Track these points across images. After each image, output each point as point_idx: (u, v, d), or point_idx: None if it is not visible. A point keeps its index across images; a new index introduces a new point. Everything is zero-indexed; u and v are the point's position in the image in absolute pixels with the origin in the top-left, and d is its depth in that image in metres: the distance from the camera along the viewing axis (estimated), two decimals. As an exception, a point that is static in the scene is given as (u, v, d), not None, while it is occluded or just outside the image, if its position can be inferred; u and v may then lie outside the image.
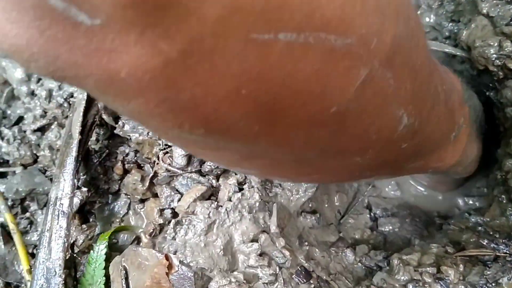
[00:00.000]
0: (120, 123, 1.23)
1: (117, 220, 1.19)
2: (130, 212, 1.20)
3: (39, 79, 1.39)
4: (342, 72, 0.40)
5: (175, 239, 1.04)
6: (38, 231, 1.25)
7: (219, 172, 1.12)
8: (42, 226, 1.09)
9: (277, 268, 1.03)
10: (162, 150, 1.18)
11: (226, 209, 1.06)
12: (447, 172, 1.05)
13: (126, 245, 1.14)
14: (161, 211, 1.15)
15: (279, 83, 0.36)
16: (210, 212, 1.04)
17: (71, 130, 1.18)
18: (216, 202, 1.07)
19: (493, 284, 0.98)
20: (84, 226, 1.18)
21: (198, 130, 0.38)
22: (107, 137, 1.29)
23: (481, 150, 1.21)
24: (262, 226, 1.07)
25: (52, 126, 1.35)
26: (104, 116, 1.23)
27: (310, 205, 1.17)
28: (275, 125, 0.42)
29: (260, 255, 1.03)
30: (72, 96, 1.34)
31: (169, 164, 1.13)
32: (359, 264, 1.17)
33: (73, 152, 1.14)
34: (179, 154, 1.11)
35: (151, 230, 1.13)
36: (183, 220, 1.04)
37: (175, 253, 1.00)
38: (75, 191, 1.12)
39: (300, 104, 0.41)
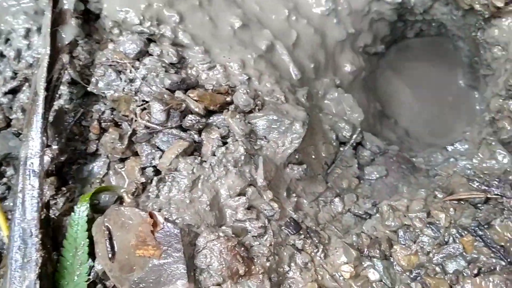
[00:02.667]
0: (93, 80, 1.17)
1: (97, 181, 1.15)
2: (110, 172, 1.16)
3: (6, 39, 1.31)
4: None
5: (158, 197, 1.01)
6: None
7: (200, 127, 1.07)
8: (15, 188, 1.04)
9: (266, 221, 1.01)
10: (139, 106, 1.13)
11: (210, 164, 1.02)
12: None
13: (108, 206, 1.09)
14: (143, 169, 1.11)
15: None
16: (194, 168, 1.01)
17: (36, 87, 1.11)
18: (199, 158, 1.03)
19: (486, 226, 0.98)
20: (63, 188, 1.14)
21: None
22: (80, 96, 1.23)
23: None
24: (249, 179, 1.04)
25: (24, 88, 1.27)
26: (70, 71, 1.16)
27: (296, 156, 1.14)
28: None
29: (248, 208, 1.01)
30: (41, 55, 1.27)
31: (148, 120, 1.08)
32: (348, 213, 1.16)
33: (39, 110, 1.08)
34: (157, 109, 1.06)
35: (134, 190, 1.09)
36: (166, 177, 1.00)
37: (159, 210, 0.97)
38: (45, 149, 1.07)
39: None
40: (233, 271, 0.91)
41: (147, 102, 1.13)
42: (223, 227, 0.97)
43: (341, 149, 1.30)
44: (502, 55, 1.14)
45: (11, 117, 1.27)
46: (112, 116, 1.18)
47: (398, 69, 1.79)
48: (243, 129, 1.07)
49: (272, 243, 0.98)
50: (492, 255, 0.96)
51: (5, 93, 1.29)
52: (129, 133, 1.12)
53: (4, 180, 1.22)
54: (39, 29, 1.27)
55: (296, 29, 1.40)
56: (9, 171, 1.23)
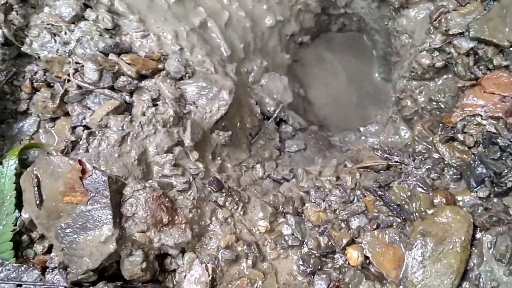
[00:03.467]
0: (27, 40, 1.19)
1: (27, 139, 1.17)
2: (40, 130, 1.18)
3: None
4: None
5: (88, 151, 1.05)
6: None
7: (132, 88, 1.13)
8: None
9: (191, 178, 1.08)
10: (72, 67, 1.16)
11: (140, 123, 1.08)
12: None
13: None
14: (73, 128, 1.15)
15: None
16: (123, 125, 1.06)
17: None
18: (129, 117, 1.09)
19: (386, 188, 1.10)
20: (-11, 144, 1.15)
21: None
22: (13, 57, 1.24)
23: None
24: (176, 140, 1.11)
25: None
26: (5, 31, 1.18)
27: (223, 124, 1.22)
28: None
29: (175, 165, 1.08)
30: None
31: (80, 80, 1.12)
32: (268, 178, 1.26)
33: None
34: (90, 69, 1.11)
35: (63, 147, 1.12)
36: (96, 132, 1.05)
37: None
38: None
39: None
40: (157, 220, 0.98)
41: (80, 64, 1.17)
42: (150, 181, 1.04)
43: (265, 122, 1.40)
44: (409, 42, 1.28)
45: None
46: (44, 76, 1.20)
47: (322, 60, 1.93)
48: (173, 93, 1.14)
49: (196, 197, 1.05)
50: (390, 213, 1.09)
51: None
52: (61, 93, 1.15)
53: None
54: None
55: (228, 11, 1.48)
56: None
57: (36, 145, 1.14)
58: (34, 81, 1.20)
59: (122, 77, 1.13)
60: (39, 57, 1.21)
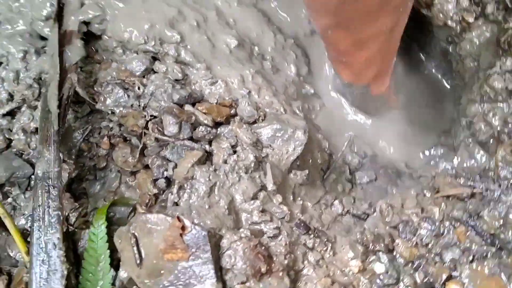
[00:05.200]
0: (101, 97, 1.21)
1: (110, 195, 1.18)
2: (122, 185, 1.20)
3: (0, 63, 1.33)
4: None
5: (178, 204, 1.06)
6: (24, 215, 1.21)
7: (211, 137, 1.14)
8: (33, 203, 1.06)
9: (279, 222, 1.08)
10: (149, 120, 1.18)
11: (224, 171, 1.09)
12: None
13: (123, 218, 1.14)
14: (155, 181, 1.16)
15: None
16: (210, 175, 1.07)
17: (48, 105, 1.15)
18: (213, 166, 1.10)
19: (475, 217, 1.08)
20: (76, 204, 1.17)
21: None
22: (86, 114, 1.27)
23: None
24: (260, 185, 1.11)
25: (23, 109, 1.29)
26: (79, 90, 1.20)
27: (298, 163, 1.22)
28: None
29: (262, 211, 1.08)
30: (40, 78, 1.30)
31: (159, 133, 1.14)
32: (348, 214, 1.25)
33: (55, 126, 1.11)
34: (170, 122, 1.12)
35: (147, 201, 1.14)
36: (185, 185, 1.06)
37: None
38: (62, 164, 1.10)
39: None
40: (256, 270, 0.98)
41: (155, 117, 1.19)
42: (241, 229, 1.04)
43: (333, 156, 1.40)
44: (474, 65, 1.28)
45: (11, 138, 1.28)
46: (120, 131, 1.23)
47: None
48: (250, 138, 1.14)
49: (287, 242, 1.05)
50: (483, 242, 1.07)
51: (3, 115, 1.31)
52: (140, 147, 1.17)
53: (9, 200, 1.24)
54: (36, 51, 1.30)
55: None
56: (14, 191, 1.24)
57: (121, 201, 1.16)
58: (111, 137, 1.22)
59: (200, 127, 1.14)
60: (112, 113, 1.23)
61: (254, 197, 1.09)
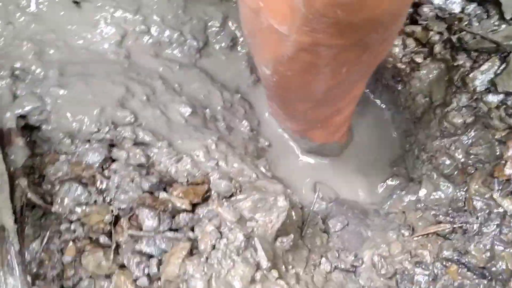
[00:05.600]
0: (57, 199, 1.08)
1: (87, 306, 1.05)
2: (98, 293, 1.07)
3: None
4: None
5: (173, 307, 0.97)
6: None
7: (194, 223, 1.06)
8: None
9: (283, 302, 1.03)
10: (117, 215, 1.07)
11: (217, 259, 1.01)
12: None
13: (108, 331, 1.02)
14: (135, 281, 1.05)
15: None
16: (204, 267, 0.99)
17: (2, 221, 1.00)
18: (205, 255, 1.02)
19: (464, 254, 1.12)
20: (47, 325, 1.02)
21: None
22: (38, 218, 1.12)
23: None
24: (254, 264, 1.05)
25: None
26: (31, 196, 1.07)
27: (279, 229, 1.18)
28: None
29: (264, 294, 1.02)
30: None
31: (136, 228, 1.04)
32: (336, 270, 1.23)
33: (15, 246, 0.98)
34: (147, 215, 1.03)
35: (130, 305, 1.03)
36: (181, 285, 0.97)
37: (185, 322, 0.93)
38: (32, 288, 0.96)
39: None
40: None
41: (123, 209, 1.09)
42: (248, 320, 0.97)
43: (305, 209, 1.37)
44: (426, 101, 1.33)
45: None
46: (83, 232, 1.10)
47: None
48: (234, 215, 1.08)
49: (296, 322, 1.00)
50: (474, 277, 1.10)
51: None
52: (113, 247, 1.06)
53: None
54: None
55: (231, 104, 1.46)
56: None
57: (103, 312, 1.03)
58: (75, 240, 1.09)
59: (180, 214, 1.05)
60: (70, 212, 1.10)
61: (252, 281, 1.02)
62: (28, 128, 1.16)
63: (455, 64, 1.24)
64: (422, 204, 1.33)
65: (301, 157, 1.58)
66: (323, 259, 1.23)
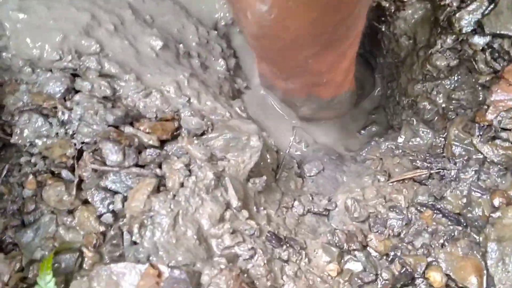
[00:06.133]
0: (17, 130, 1.02)
1: (48, 242, 1.01)
2: (60, 228, 1.02)
3: None
4: None
5: (136, 243, 0.93)
6: None
7: (162, 159, 1.01)
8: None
9: (252, 241, 1.00)
10: (80, 149, 1.02)
11: (185, 196, 0.97)
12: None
13: (69, 266, 0.98)
14: (99, 217, 1.01)
15: None
16: (170, 204, 0.95)
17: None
18: (171, 192, 0.97)
19: (439, 199, 1.09)
20: (4, 259, 0.98)
21: None
22: (-4, 150, 1.06)
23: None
24: (224, 203, 1.01)
25: None
26: (-14, 126, 1.01)
27: (253, 170, 1.14)
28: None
29: (232, 233, 0.98)
30: None
31: (100, 163, 0.98)
32: (308, 213, 1.20)
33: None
34: (111, 150, 0.97)
35: (94, 241, 0.99)
36: (145, 221, 0.93)
37: (148, 258, 0.90)
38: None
39: None
40: (242, 300, 0.89)
41: (86, 143, 1.03)
42: (215, 258, 0.94)
43: (281, 152, 1.33)
44: (409, 43, 1.27)
45: None
46: (45, 166, 1.04)
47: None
48: (204, 153, 1.03)
49: (265, 261, 0.97)
50: (449, 223, 1.09)
51: None
52: (76, 181, 1.01)
53: None
54: None
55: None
56: None
57: (65, 247, 0.99)
58: (36, 174, 1.04)
59: (146, 150, 1.00)
60: (30, 145, 1.04)
61: (221, 219, 0.99)
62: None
63: (442, 3, 1.18)
64: (400, 151, 1.30)
65: (277, 102, 1.52)
66: (296, 202, 1.20)
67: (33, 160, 1.04)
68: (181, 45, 1.29)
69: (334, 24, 0.89)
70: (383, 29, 1.32)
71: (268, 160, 1.27)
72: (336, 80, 1.20)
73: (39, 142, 1.02)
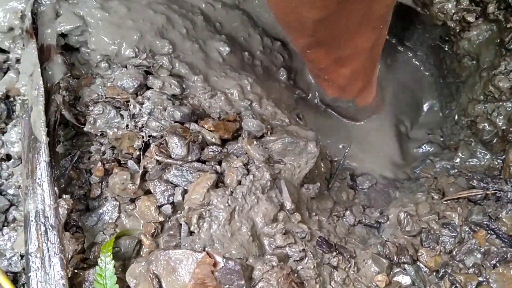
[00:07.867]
0: (90, 119, 1.09)
1: (110, 228, 1.07)
2: (122, 215, 1.08)
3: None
4: None
5: (193, 234, 0.97)
6: (5, 257, 1.07)
7: (222, 157, 1.05)
8: (25, 247, 0.94)
9: (303, 243, 1.02)
10: (147, 141, 1.08)
11: (242, 194, 1.01)
12: None
13: (129, 252, 1.03)
14: (159, 207, 1.06)
15: None
16: (228, 199, 0.99)
17: (34, 133, 1.01)
18: (229, 189, 1.01)
19: (494, 220, 1.08)
20: (70, 239, 1.04)
21: None
22: (70, 137, 1.14)
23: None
24: (278, 204, 1.04)
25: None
26: (65, 113, 1.08)
27: (307, 176, 1.17)
28: None
29: (285, 233, 1.01)
30: (7, 97, 1.15)
31: (165, 156, 1.04)
32: (359, 224, 1.21)
33: (45, 157, 0.99)
34: (177, 144, 1.02)
35: (152, 230, 1.04)
36: (204, 213, 0.97)
37: (204, 249, 0.94)
38: (59, 200, 0.98)
39: None
40: (290, 299, 0.91)
41: (153, 137, 1.09)
42: (267, 256, 0.97)
43: (335, 163, 1.36)
44: (472, 64, 1.27)
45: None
46: (114, 155, 1.11)
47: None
48: (263, 155, 1.07)
49: (315, 264, 0.99)
50: (502, 245, 1.07)
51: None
52: (141, 171, 1.06)
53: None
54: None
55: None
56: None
57: (125, 233, 1.05)
58: (104, 161, 1.10)
59: (209, 147, 1.05)
60: (101, 135, 1.11)
61: (275, 219, 1.02)
62: (68, 50, 1.17)
63: (508, 25, 1.18)
64: (456, 170, 1.29)
65: (335, 116, 1.54)
66: (348, 212, 1.21)
67: (102, 148, 1.11)
68: (246, 53, 1.34)
69: (320, 17, 0.97)
70: (446, 49, 1.32)
71: (322, 169, 1.29)
72: (337, 82, 1.30)
73: (110, 132, 1.08)
